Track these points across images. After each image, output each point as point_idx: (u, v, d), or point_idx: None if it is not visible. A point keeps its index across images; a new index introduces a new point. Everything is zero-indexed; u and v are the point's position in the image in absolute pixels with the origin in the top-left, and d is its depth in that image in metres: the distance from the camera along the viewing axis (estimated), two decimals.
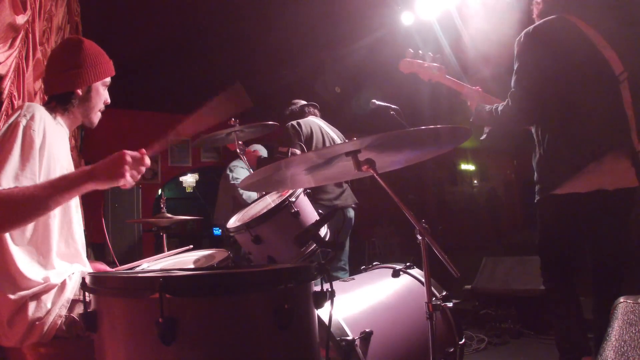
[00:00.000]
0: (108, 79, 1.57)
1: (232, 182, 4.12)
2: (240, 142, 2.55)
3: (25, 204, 1.18)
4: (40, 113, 1.35)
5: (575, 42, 1.88)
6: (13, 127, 1.28)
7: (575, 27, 1.88)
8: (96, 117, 1.58)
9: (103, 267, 1.73)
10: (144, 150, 1.33)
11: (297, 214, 1.71)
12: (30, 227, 1.34)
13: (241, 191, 4.00)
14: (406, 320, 1.60)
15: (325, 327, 1.24)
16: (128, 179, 1.26)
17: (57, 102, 1.48)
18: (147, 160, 1.33)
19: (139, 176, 1.32)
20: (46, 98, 1.56)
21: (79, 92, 1.49)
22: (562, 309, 1.89)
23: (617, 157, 1.80)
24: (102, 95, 1.56)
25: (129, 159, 1.26)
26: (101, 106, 1.58)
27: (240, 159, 2.55)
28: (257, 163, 2.95)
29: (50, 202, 1.21)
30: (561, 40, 1.89)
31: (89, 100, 1.52)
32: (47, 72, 1.54)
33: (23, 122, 1.29)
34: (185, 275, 1.06)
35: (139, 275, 1.16)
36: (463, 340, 1.74)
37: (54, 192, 1.20)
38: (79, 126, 1.64)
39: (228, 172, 4.19)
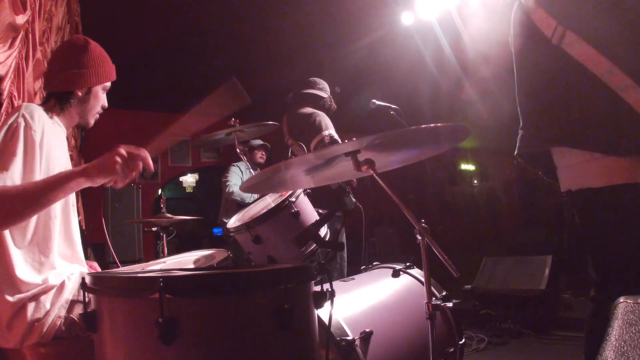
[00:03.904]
0: (108, 84, 1.57)
1: (223, 180, 4.16)
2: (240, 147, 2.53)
3: (18, 198, 1.15)
4: (39, 113, 1.35)
5: None
6: (14, 130, 1.28)
7: None
8: (92, 119, 1.58)
9: (95, 266, 1.73)
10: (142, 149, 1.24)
11: (297, 214, 1.71)
12: (31, 228, 1.34)
13: (230, 189, 4.03)
14: (406, 320, 1.60)
15: (325, 327, 1.24)
16: (119, 172, 1.19)
17: (55, 100, 1.49)
18: (144, 153, 1.22)
19: (134, 174, 1.22)
20: (44, 94, 1.56)
21: (79, 93, 1.49)
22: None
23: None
24: (100, 98, 1.56)
25: (122, 151, 1.19)
26: (98, 109, 1.58)
27: (241, 159, 2.54)
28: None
29: (43, 198, 1.18)
30: None
31: (87, 102, 1.52)
32: (49, 69, 1.53)
33: (22, 123, 1.29)
34: (185, 275, 1.06)
35: (139, 275, 1.16)
36: (463, 340, 1.75)
37: (46, 186, 1.18)
38: (78, 126, 1.64)
39: (226, 172, 4.23)
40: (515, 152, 1.65)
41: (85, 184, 1.21)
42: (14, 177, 1.22)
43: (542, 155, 1.65)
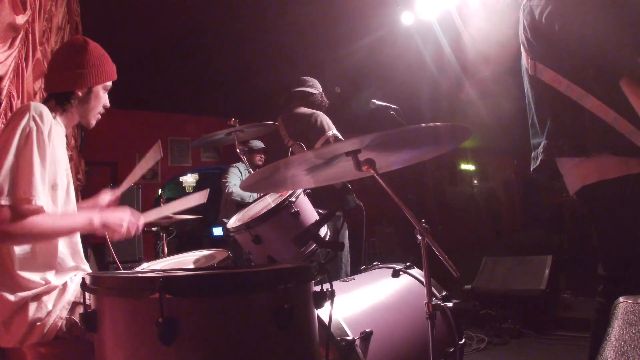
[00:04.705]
0: (109, 83, 1.57)
1: (223, 181, 4.14)
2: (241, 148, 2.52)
3: (46, 234, 1.30)
4: (46, 114, 1.35)
5: None
6: (27, 135, 1.27)
7: None
8: (94, 119, 1.58)
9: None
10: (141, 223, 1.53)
11: (297, 214, 1.71)
12: None
13: (230, 190, 4.00)
14: (406, 320, 1.60)
15: (325, 327, 1.24)
16: (122, 234, 1.45)
17: (56, 101, 1.49)
18: (140, 222, 1.54)
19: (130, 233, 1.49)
20: (45, 95, 1.56)
21: (79, 93, 1.49)
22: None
23: None
24: (101, 98, 1.56)
25: (130, 220, 1.46)
26: (100, 109, 1.58)
27: (241, 160, 2.54)
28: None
29: (63, 235, 1.40)
30: None
31: (87, 102, 1.52)
32: (50, 70, 1.54)
33: (34, 127, 1.29)
34: (185, 275, 1.06)
35: (139, 275, 1.16)
36: (463, 340, 1.74)
37: (70, 229, 1.39)
38: (78, 126, 1.65)
39: (225, 173, 4.23)
40: (531, 170, 1.86)
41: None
42: (34, 189, 1.23)
43: (551, 168, 1.83)
